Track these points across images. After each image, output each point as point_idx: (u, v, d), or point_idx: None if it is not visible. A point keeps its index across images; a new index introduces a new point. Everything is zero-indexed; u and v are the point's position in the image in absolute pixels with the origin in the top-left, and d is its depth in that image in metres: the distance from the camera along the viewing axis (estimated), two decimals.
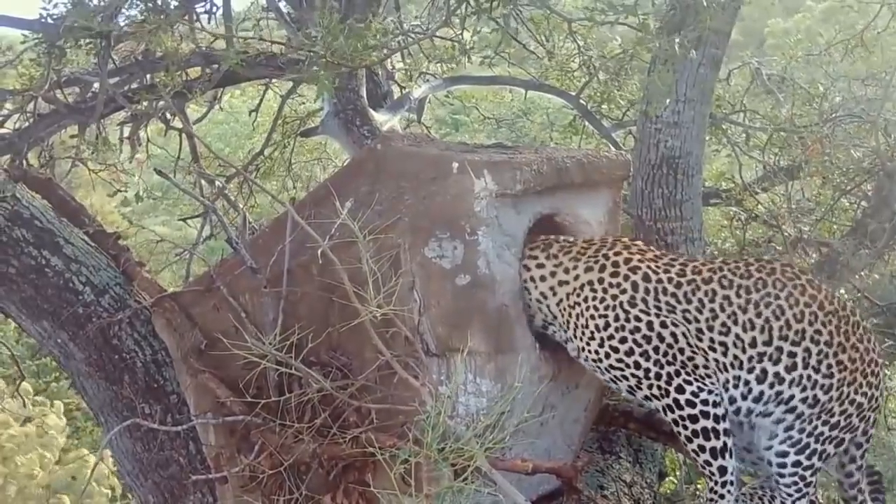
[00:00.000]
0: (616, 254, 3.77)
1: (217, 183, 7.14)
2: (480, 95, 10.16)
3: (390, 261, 3.64)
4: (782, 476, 3.79)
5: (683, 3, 4.98)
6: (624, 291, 3.70)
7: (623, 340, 3.67)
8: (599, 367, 3.78)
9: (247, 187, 8.21)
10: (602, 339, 3.70)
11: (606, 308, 3.69)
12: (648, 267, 3.75)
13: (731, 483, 3.73)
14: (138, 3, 5.27)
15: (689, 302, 3.70)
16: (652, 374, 3.67)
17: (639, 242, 3.97)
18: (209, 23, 6.25)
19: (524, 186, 3.84)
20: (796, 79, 8.01)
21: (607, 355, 3.71)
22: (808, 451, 3.76)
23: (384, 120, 7.26)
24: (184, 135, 7.38)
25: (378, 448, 3.47)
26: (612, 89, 7.58)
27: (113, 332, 4.63)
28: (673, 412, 3.69)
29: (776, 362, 3.69)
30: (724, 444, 3.69)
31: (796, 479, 3.79)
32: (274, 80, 7.99)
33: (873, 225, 6.36)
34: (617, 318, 3.67)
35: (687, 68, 5.26)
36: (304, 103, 8.90)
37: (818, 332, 3.69)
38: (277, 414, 3.80)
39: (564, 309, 3.78)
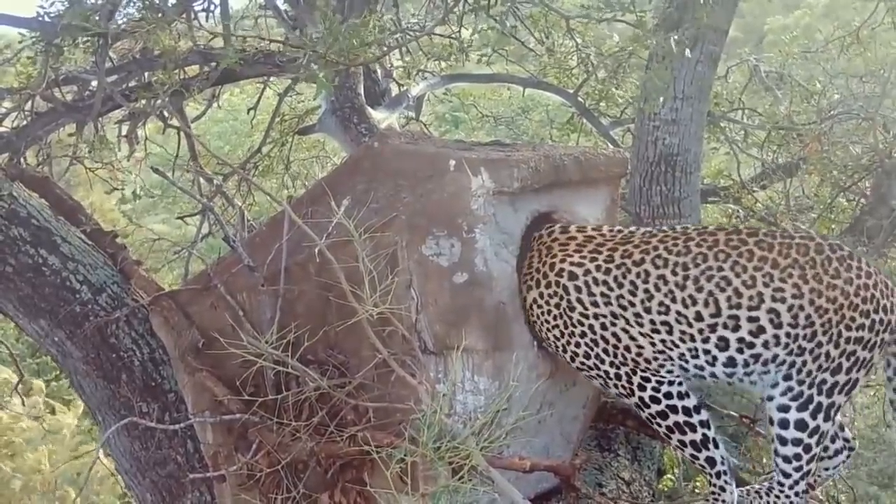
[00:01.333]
0: (543, 263, 3.80)
1: (215, 181, 7.14)
2: (479, 93, 10.16)
3: (387, 259, 3.63)
4: (783, 442, 3.65)
5: (681, 0, 4.98)
6: (561, 298, 3.72)
7: (577, 345, 3.72)
8: (581, 370, 3.83)
9: (245, 185, 8.20)
10: (563, 346, 3.77)
11: (555, 318, 3.75)
12: (572, 264, 3.74)
13: (726, 473, 3.70)
14: (136, 1, 5.26)
15: (620, 286, 3.67)
16: (612, 375, 3.70)
17: (571, 229, 3.91)
18: (207, 21, 6.24)
19: (521, 184, 3.83)
20: (794, 76, 8.01)
21: (573, 359, 3.78)
22: (811, 407, 3.61)
23: (382, 118, 7.26)
24: (182, 133, 7.37)
25: (375, 446, 3.47)
26: (611, 87, 7.57)
27: (110, 330, 4.64)
28: (643, 411, 3.71)
29: (735, 329, 3.59)
30: (704, 435, 3.66)
31: (799, 449, 3.64)
32: (272, 78, 7.99)
33: (871, 222, 6.37)
34: (566, 325, 3.72)
35: (685, 66, 5.25)
36: (302, 101, 8.90)
37: (779, 289, 3.58)
38: (275, 412, 3.80)
39: (535, 322, 3.85)
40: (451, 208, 3.69)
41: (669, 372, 3.67)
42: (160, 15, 5.19)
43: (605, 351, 3.68)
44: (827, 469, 4.10)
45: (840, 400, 3.67)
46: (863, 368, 3.69)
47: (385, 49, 5.85)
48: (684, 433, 3.67)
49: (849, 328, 3.59)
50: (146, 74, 6.43)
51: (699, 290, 3.61)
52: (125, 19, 5.48)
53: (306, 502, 3.78)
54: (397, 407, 3.57)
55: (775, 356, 3.61)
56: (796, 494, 3.77)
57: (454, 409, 3.63)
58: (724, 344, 3.63)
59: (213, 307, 4.15)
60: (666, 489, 5.66)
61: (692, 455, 3.70)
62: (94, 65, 5.61)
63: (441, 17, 5.46)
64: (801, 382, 3.61)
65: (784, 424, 3.64)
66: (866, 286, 3.62)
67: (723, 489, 3.71)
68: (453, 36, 7.03)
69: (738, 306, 3.58)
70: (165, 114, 6.90)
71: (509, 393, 3.61)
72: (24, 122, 5.96)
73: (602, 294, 3.68)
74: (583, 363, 3.75)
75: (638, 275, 3.67)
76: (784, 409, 3.64)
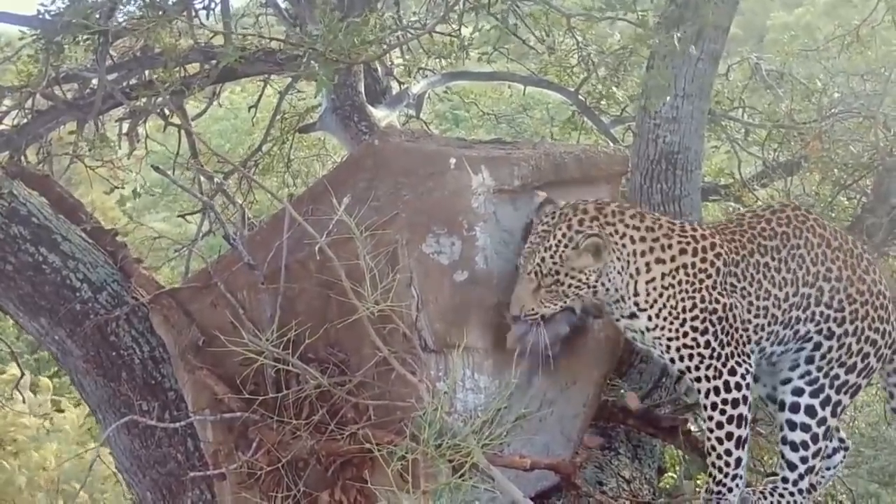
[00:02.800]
0: (702, 237, 3.71)
1: (216, 179, 7.14)
2: (479, 91, 10.15)
3: (388, 257, 3.63)
4: (793, 427, 3.73)
5: None
6: (710, 276, 3.65)
7: (703, 321, 3.63)
8: (669, 346, 3.70)
9: (246, 184, 8.20)
10: (685, 319, 3.65)
11: (695, 291, 3.64)
12: (722, 248, 3.71)
13: (740, 477, 3.71)
14: None
15: (744, 278, 3.70)
16: (714, 355, 3.64)
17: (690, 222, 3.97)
18: (208, 19, 6.25)
19: (522, 182, 3.84)
20: (795, 74, 8.00)
21: (685, 334, 3.66)
22: (822, 397, 3.72)
23: (382, 116, 7.26)
24: (183, 131, 7.37)
25: (376, 444, 3.46)
26: (611, 85, 7.57)
27: (110, 328, 4.64)
28: (718, 394, 3.64)
29: (799, 307, 3.72)
30: (748, 435, 3.68)
31: (806, 437, 3.71)
32: (273, 76, 7.99)
33: (872, 220, 6.35)
34: (703, 300, 3.63)
35: (686, 63, 5.24)
36: (303, 99, 8.90)
37: (829, 269, 3.73)
38: (275, 410, 3.80)
39: (655, 288, 3.67)
40: (451, 206, 3.70)
41: (752, 363, 3.71)
42: (161, 13, 5.19)
43: (723, 330, 3.64)
44: (828, 469, 4.14)
45: (846, 400, 3.79)
46: (868, 377, 3.82)
47: (386, 47, 5.84)
48: (740, 426, 3.65)
49: (870, 327, 3.75)
50: (147, 72, 6.44)
51: (788, 270, 3.71)
52: (126, 17, 5.49)
53: (306, 500, 3.78)
54: (398, 405, 3.57)
55: (807, 332, 3.75)
56: (800, 492, 3.80)
57: (454, 408, 3.64)
58: (789, 321, 3.74)
59: (213, 305, 4.15)
60: (667, 487, 5.66)
61: (727, 450, 3.65)
62: (95, 62, 5.62)
63: (442, 15, 5.45)
64: (819, 369, 3.75)
65: (795, 408, 3.74)
66: (884, 294, 3.80)
67: (730, 490, 3.71)
68: (454, 34, 7.02)
69: (806, 283, 3.72)
70: (166, 112, 6.90)
71: (510, 391, 3.60)
72: (25, 120, 5.97)
73: (731, 284, 3.68)
74: (694, 338, 3.63)
75: (754, 266, 3.71)
76: (798, 392, 3.75)
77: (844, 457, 4.20)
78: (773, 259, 3.72)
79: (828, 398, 3.74)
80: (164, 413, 4.62)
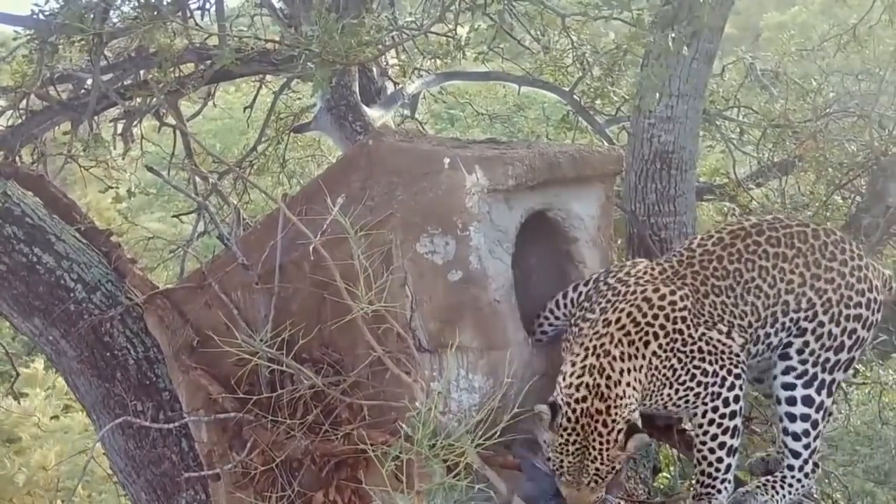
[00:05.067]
0: (658, 302, 3.64)
1: (210, 179, 7.14)
2: (475, 91, 10.15)
3: (382, 257, 3.63)
4: (792, 419, 3.75)
5: None
6: (675, 340, 3.61)
7: (687, 372, 3.62)
8: (670, 405, 3.69)
9: (241, 184, 8.20)
10: (673, 383, 3.63)
11: (670, 361, 3.60)
12: (679, 300, 3.65)
13: (729, 481, 3.72)
14: None
15: (706, 314, 3.68)
16: (708, 384, 3.63)
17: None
18: (202, 19, 6.24)
19: (516, 182, 3.84)
20: (790, 74, 8.00)
21: (676, 392, 3.65)
22: (816, 384, 3.74)
23: (377, 115, 7.25)
24: (178, 131, 7.37)
25: (370, 444, 3.46)
26: (606, 84, 7.56)
27: (105, 329, 4.63)
28: (716, 412, 3.64)
29: (764, 326, 3.74)
30: (739, 444, 3.70)
31: (807, 425, 3.74)
32: (268, 77, 7.99)
33: (867, 220, 6.36)
34: (679, 361, 3.61)
35: (680, 63, 5.24)
36: (299, 99, 8.89)
37: (790, 282, 3.73)
38: (269, 411, 3.80)
39: (647, 389, 3.62)
40: (445, 206, 3.69)
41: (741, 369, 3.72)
42: (156, 13, 5.19)
43: (706, 360, 3.63)
44: None
45: (840, 377, 3.83)
46: (861, 347, 3.84)
47: (381, 48, 5.84)
48: (734, 436, 3.67)
49: (848, 307, 3.76)
50: (141, 72, 6.43)
51: (745, 303, 3.72)
52: (121, 17, 5.48)
53: (301, 501, 3.78)
54: (392, 405, 3.57)
55: (780, 340, 3.78)
56: (806, 476, 3.83)
57: (449, 407, 3.64)
58: (757, 340, 3.75)
59: (207, 305, 4.14)
60: (662, 486, 5.66)
61: (718, 458, 3.66)
62: (90, 63, 5.61)
63: (438, 16, 5.45)
64: (804, 362, 3.76)
65: (791, 401, 3.77)
66: (860, 267, 3.81)
67: (719, 491, 3.71)
68: (449, 34, 7.02)
69: (768, 306, 3.73)
70: (161, 112, 6.90)
71: (504, 391, 3.60)
72: (20, 121, 5.96)
73: (697, 322, 3.66)
74: (688, 389, 3.62)
75: (707, 305, 3.69)
76: (790, 387, 3.77)
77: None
78: (728, 297, 3.72)
79: (822, 382, 3.76)
80: (158, 413, 4.61)
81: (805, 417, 3.76)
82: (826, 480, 5.73)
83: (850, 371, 3.90)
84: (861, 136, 6.79)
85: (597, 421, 3.46)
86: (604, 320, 3.61)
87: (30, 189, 4.92)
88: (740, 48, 8.91)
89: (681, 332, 3.62)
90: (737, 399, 3.66)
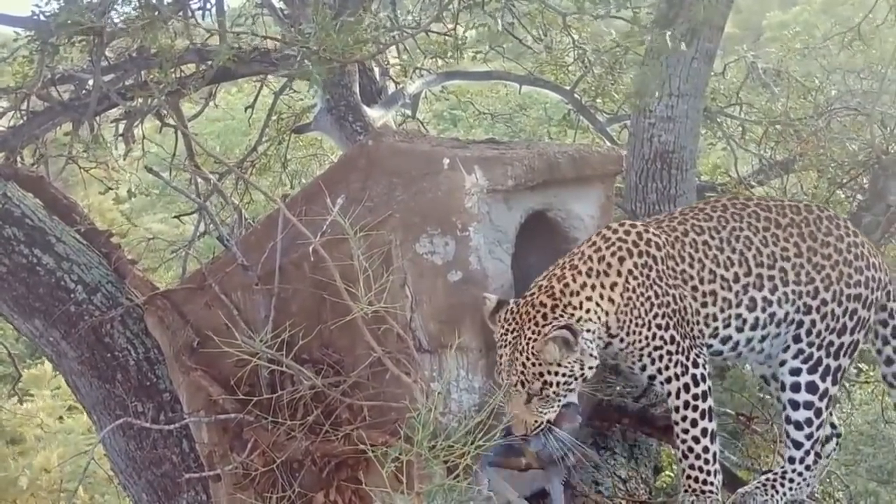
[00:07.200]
0: (627, 233, 3.65)
1: (211, 180, 7.13)
2: (476, 90, 10.14)
3: (382, 257, 3.62)
4: (795, 406, 3.72)
5: None
6: (652, 268, 3.62)
7: (663, 316, 3.60)
8: (641, 354, 3.63)
9: (242, 184, 8.20)
10: (648, 322, 3.59)
11: (647, 289, 3.59)
12: (652, 234, 3.68)
13: (718, 472, 3.67)
14: None
15: (682, 260, 3.67)
16: (679, 350, 3.61)
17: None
18: (203, 19, 6.24)
19: (515, 182, 3.83)
20: (792, 72, 7.99)
21: (653, 336, 3.60)
22: (821, 370, 3.71)
23: (378, 116, 7.25)
24: (179, 132, 7.36)
25: (370, 445, 3.46)
26: (607, 83, 7.56)
27: (105, 330, 4.63)
28: (689, 390, 3.61)
29: (760, 289, 3.71)
30: (715, 427, 3.66)
31: (810, 413, 3.71)
32: (269, 77, 7.98)
33: (868, 218, 6.35)
34: (657, 295, 3.60)
35: (680, 62, 5.25)
36: (301, 99, 8.88)
37: (785, 249, 3.72)
38: (270, 411, 3.80)
39: (618, 310, 3.60)
40: (445, 206, 3.69)
41: (704, 351, 3.70)
42: (156, 13, 5.18)
43: (678, 322, 3.62)
44: (823, 457, 4.10)
45: (845, 363, 3.79)
46: (863, 329, 3.80)
47: (380, 46, 5.84)
48: (711, 420, 3.63)
49: (848, 285, 3.74)
50: (142, 73, 6.42)
51: (732, 250, 3.70)
52: (122, 18, 5.48)
53: (301, 501, 3.77)
54: (392, 405, 3.56)
55: (786, 314, 3.73)
56: (807, 468, 3.81)
57: (449, 408, 3.63)
58: (753, 304, 3.71)
59: (207, 306, 4.14)
60: (664, 486, 5.65)
61: (704, 447, 3.61)
62: (91, 63, 5.61)
63: (436, 14, 5.45)
64: (811, 344, 3.74)
65: (796, 388, 3.74)
66: (856, 244, 3.79)
67: (713, 485, 3.66)
68: (449, 33, 7.01)
69: (761, 265, 3.71)
70: (162, 112, 6.89)
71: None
72: (21, 122, 5.96)
73: (671, 269, 3.66)
74: (661, 336, 3.59)
75: (690, 244, 3.69)
76: (796, 371, 3.74)
77: (838, 443, 4.18)
78: (711, 238, 3.70)
79: (827, 368, 3.73)
80: (159, 414, 4.62)
81: (808, 405, 3.72)
82: (828, 480, 5.71)
83: (856, 355, 3.84)
84: (862, 134, 6.78)
85: (538, 312, 3.49)
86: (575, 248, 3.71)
87: (30, 190, 4.92)
88: (742, 47, 8.89)
89: (654, 258, 3.60)
90: (704, 378, 3.62)
